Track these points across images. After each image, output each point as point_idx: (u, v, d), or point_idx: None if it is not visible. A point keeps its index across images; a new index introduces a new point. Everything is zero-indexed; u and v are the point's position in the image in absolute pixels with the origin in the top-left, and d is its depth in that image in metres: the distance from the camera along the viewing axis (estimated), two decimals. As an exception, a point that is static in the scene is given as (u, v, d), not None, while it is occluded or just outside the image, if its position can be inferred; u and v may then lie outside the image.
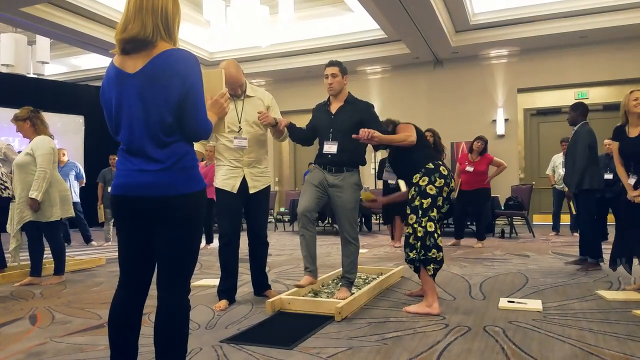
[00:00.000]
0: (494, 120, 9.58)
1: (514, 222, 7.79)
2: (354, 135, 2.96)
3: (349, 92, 3.30)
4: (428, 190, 3.01)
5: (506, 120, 9.54)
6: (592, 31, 8.32)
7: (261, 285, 3.51)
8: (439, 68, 9.97)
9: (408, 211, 3.07)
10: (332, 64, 3.24)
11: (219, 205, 3.32)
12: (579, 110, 4.57)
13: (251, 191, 3.27)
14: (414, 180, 3.06)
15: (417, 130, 3.24)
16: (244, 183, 3.26)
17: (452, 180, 3.13)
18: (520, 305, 3.14)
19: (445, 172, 3.09)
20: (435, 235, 2.99)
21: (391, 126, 3.34)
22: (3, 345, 2.52)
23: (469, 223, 7.34)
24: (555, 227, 7.60)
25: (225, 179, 3.27)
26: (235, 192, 3.25)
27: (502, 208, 7.73)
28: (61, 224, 6.89)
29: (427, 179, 3.03)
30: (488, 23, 8.56)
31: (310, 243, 3.11)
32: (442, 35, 8.36)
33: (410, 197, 3.07)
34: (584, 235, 4.62)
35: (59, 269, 4.30)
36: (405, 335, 2.58)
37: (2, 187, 3.35)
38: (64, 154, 7.40)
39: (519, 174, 9.52)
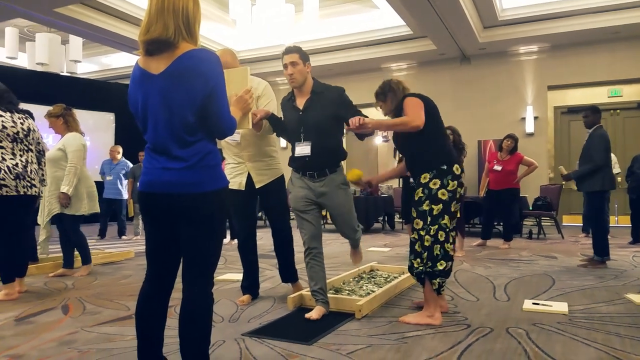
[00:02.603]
0: (523, 118, 9.38)
1: (543, 223, 7.63)
2: (346, 128, 2.64)
3: (314, 79, 2.89)
4: (440, 196, 2.68)
5: (535, 118, 9.32)
6: (625, 27, 8.04)
7: (286, 278, 3.46)
8: (466, 64, 9.82)
9: (414, 214, 2.78)
10: (289, 50, 2.80)
11: (230, 206, 3.17)
12: (598, 114, 4.76)
13: (257, 186, 3.19)
14: (423, 181, 2.74)
15: (431, 111, 2.75)
16: (251, 179, 3.19)
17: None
18: (545, 307, 3.09)
19: (459, 172, 2.76)
20: (447, 245, 2.69)
21: (390, 95, 2.87)
22: (37, 334, 2.63)
23: (495, 223, 7.22)
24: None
25: (231, 177, 3.20)
26: (243, 189, 3.18)
27: (531, 208, 7.57)
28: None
29: (438, 182, 2.69)
30: (517, 19, 8.37)
31: (320, 276, 2.88)
32: (470, 32, 8.23)
33: (417, 198, 2.76)
34: (594, 234, 4.74)
35: (85, 258, 4.46)
36: (426, 334, 2.57)
37: (29, 184, 3.47)
38: (118, 152, 7.68)
39: (548, 174, 9.30)
